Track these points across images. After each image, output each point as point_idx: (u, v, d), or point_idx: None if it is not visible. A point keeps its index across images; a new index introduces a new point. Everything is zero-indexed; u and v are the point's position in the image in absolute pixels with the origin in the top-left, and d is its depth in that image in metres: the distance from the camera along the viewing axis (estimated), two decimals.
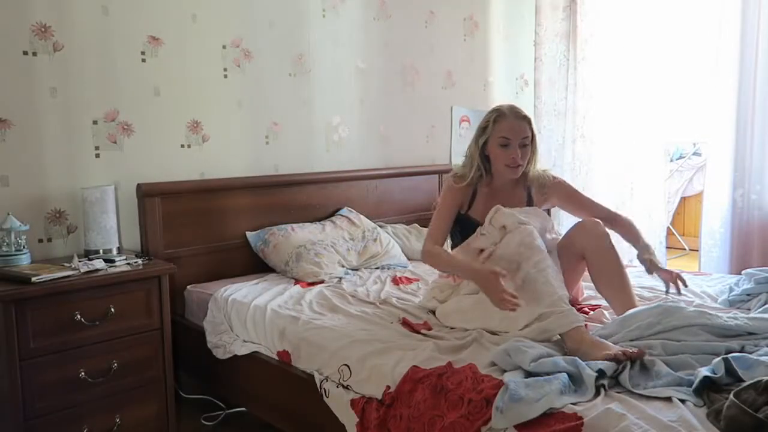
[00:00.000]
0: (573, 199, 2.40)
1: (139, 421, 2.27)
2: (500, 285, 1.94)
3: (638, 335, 1.81)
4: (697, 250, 3.59)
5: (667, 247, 4.02)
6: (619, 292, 2.09)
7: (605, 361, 1.62)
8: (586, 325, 1.88)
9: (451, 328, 2.08)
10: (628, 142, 3.86)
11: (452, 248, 2.35)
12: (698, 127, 4.83)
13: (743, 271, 2.36)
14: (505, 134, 2.22)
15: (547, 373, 1.58)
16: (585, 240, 2.15)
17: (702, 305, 2.16)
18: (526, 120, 2.25)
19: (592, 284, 2.22)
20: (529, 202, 2.34)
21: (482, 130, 2.28)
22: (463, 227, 2.33)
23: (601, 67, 3.92)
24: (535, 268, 1.96)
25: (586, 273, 2.22)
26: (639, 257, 2.25)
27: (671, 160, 5.62)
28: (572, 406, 1.47)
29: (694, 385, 1.49)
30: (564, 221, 4.01)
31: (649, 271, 2.19)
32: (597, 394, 1.53)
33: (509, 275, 2.01)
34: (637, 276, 2.54)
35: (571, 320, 1.82)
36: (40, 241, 2.44)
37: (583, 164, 4.02)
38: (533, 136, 2.26)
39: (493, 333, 1.98)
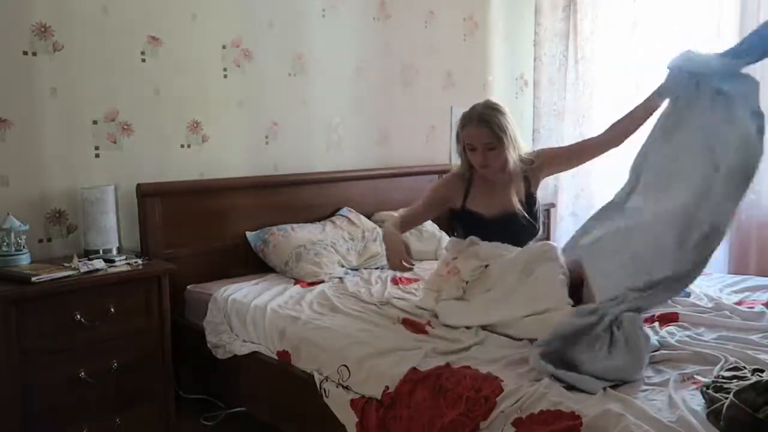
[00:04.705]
0: (563, 154, 2.46)
1: (139, 421, 2.27)
2: (404, 250, 2.16)
3: None
4: None
5: None
6: None
7: None
8: None
9: (453, 328, 2.08)
10: (627, 142, 3.85)
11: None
12: None
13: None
14: (469, 141, 2.29)
15: None
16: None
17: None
18: (488, 125, 2.25)
19: None
20: (528, 187, 2.38)
21: (457, 134, 2.36)
22: (465, 222, 2.36)
23: (600, 66, 3.91)
24: (549, 272, 2.01)
25: None
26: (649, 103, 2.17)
27: None
28: (571, 405, 1.47)
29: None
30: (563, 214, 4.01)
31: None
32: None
33: (516, 276, 2.06)
34: None
35: None
36: (40, 241, 2.44)
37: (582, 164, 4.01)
38: (505, 135, 2.25)
39: (493, 331, 1.99)
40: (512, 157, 2.28)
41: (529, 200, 2.38)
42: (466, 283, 2.19)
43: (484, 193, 2.35)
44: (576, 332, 1.70)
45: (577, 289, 2.06)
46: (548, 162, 2.43)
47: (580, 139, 3.94)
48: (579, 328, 1.71)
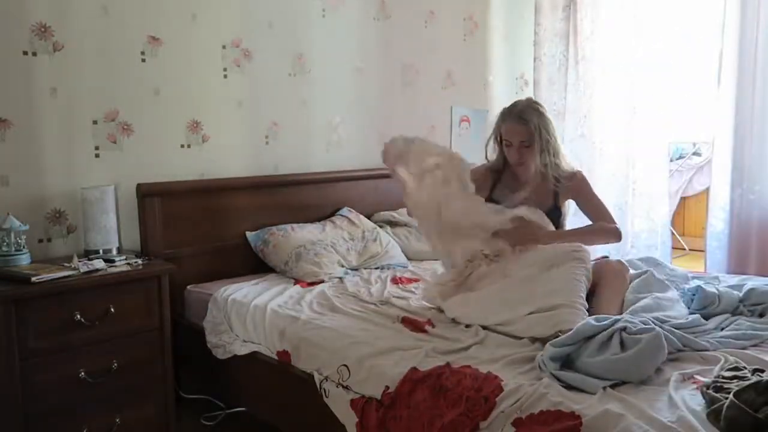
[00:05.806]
0: (582, 199, 2.46)
1: (139, 421, 2.27)
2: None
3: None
4: (697, 250, 3.59)
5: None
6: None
7: None
8: None
9: (455, 323, 2.09)
10: (628, 142, 3.86)
11: None
12: (699, 127, 4.83)
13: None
14: (505, 136, 2.34)
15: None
16: (603, 272, 2.16)
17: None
18: (526, 123, 2.28)
19: None
20: (556, 197, 2.40)
21: (495, 129, 2.41)
22: None
23: (600, 66, 3.92)
24: (570, 270, 2.02)
25: None
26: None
27: (671, 160, 5.61)
28: (571, 405, 1.47)
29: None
30: None
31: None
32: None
33: (536, 269, 2.08)
34: None
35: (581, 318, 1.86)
36: (40, 241, 2.44)
37: (582, 164, 4.01)
38: (539, 135, 2.27)
39: (494, 330, 2.00)
40: (538, 160, 2.30)
41: (555, 212, 2.39)
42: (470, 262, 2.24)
43: (510, 190, 2.40)
44: (594, 333, 1.70)
45: (590, 295, 2.07)
46: (575, 194, 2.44)
47: (580, 139, 3.98)
48: (599, 330, 1.70)
